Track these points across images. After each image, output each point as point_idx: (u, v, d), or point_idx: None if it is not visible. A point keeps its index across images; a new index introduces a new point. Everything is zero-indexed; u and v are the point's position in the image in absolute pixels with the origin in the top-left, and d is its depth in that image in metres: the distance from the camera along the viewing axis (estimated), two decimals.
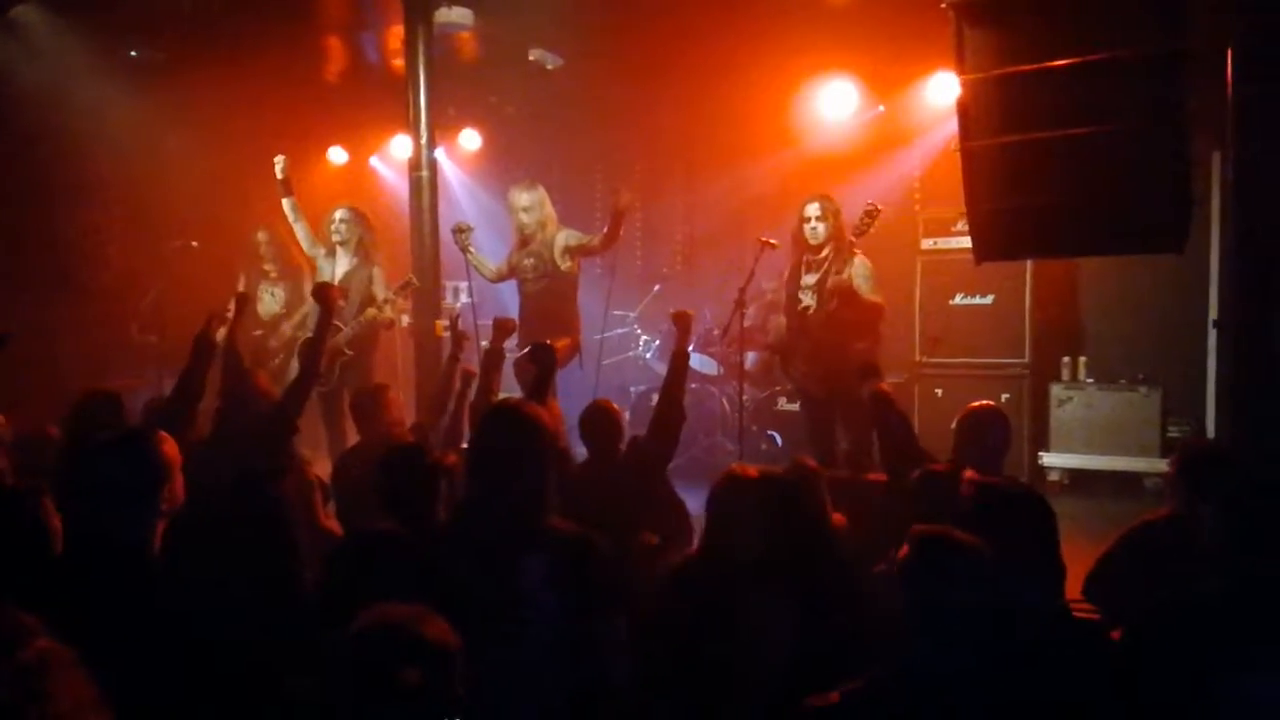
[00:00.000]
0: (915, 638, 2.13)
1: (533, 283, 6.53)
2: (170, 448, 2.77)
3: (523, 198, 6.47)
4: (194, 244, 7.67)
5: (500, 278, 6.80)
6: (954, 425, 4.14)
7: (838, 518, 3.56)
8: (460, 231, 6.45)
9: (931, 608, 2.12)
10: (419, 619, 1.94)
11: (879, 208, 5.53)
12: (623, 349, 8.94)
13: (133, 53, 8.01)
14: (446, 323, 7.14)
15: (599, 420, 4.22)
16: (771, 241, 6.26)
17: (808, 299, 5.83)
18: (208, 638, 2.55)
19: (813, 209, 5.86)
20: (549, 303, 6.46)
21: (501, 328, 5.03)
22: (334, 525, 4.19)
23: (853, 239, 5.63)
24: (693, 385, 8.02)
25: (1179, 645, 2.25)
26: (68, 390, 4.55)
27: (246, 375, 4.85)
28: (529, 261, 6.51)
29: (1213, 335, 6.59)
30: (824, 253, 5.85)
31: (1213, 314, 6.51)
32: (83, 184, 8.21)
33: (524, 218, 6.46)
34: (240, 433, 4.31)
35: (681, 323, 4.74)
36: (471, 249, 6.57)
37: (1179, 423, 7.10)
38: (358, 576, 2.84)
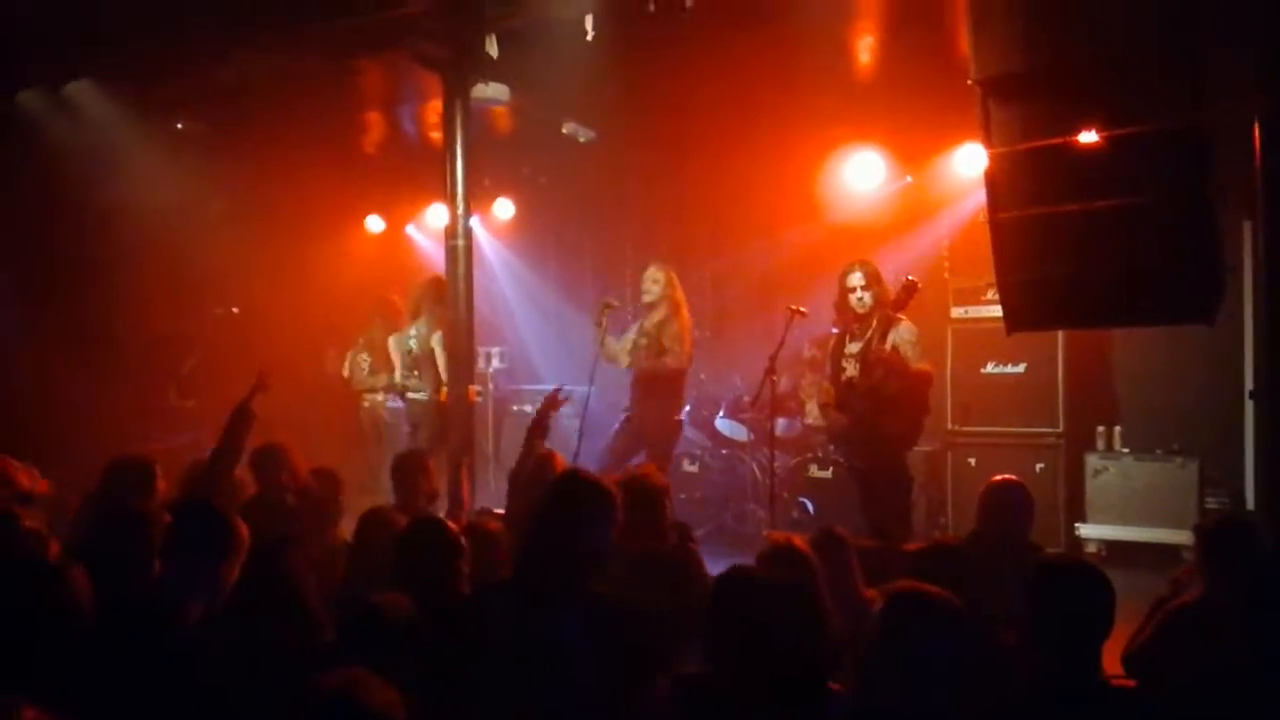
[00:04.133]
0: (893, 684, 2.28)
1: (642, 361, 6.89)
2: (241, 528, 2.92)
3: (649, 273, 7.02)
4: (235, 310, 7.83)
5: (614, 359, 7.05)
6: (978, 499, 4.17)
7: (870, 593, 3.52)
8: (607, 308, 6.89)
9: (908, 654, 2.28)
10: (360, 684, 1.91)
11: (918, 283, 5.50)
12: None
13: (179, 125, 8.26)
14: (480, 389, 7.26)
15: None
16: (801, 310, 6.30)
17: (851, 368, 5.80)
18: (237, 706, 2.58)
19: (856, 279, 5.85)
20: (653, 381, 6.85)
21: (550, 401, 5.29)
22: None
23: (891, 313, 5.60)
24: (723, 451, 8.02)
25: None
26: (106, 453, 4.63)
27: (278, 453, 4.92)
28: (643, 340, 6.88)
29: (1250, 405, 6.50)
30: (869, 320, 5.85)
31: (1249, 383, 6.44)
32: (126, 250, 8.43)
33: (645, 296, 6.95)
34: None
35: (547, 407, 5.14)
36: (604, 324, 6.85)
37: (1217, 494, 6.98)
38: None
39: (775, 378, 6.53)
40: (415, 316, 7.74)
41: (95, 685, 2.59)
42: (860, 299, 5.83)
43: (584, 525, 2.92)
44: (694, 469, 7.97)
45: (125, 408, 7.80)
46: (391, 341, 7.88)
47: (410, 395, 7.71)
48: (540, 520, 2.99)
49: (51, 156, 7.70)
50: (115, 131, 7.73)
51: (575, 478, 3.18)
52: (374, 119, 8.63)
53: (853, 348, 5.84)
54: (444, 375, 7.40)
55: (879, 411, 5.59)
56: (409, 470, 4.81)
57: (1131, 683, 3.20)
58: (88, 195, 8.00)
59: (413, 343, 7.68)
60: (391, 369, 7.89)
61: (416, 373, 7.63)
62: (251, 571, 3.09)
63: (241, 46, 6.60)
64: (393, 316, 8.12)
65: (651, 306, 7.00)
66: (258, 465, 4.86)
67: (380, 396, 8.07)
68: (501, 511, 4.88)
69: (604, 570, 2.94)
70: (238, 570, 2.92)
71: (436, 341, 7.43)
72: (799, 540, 3.38)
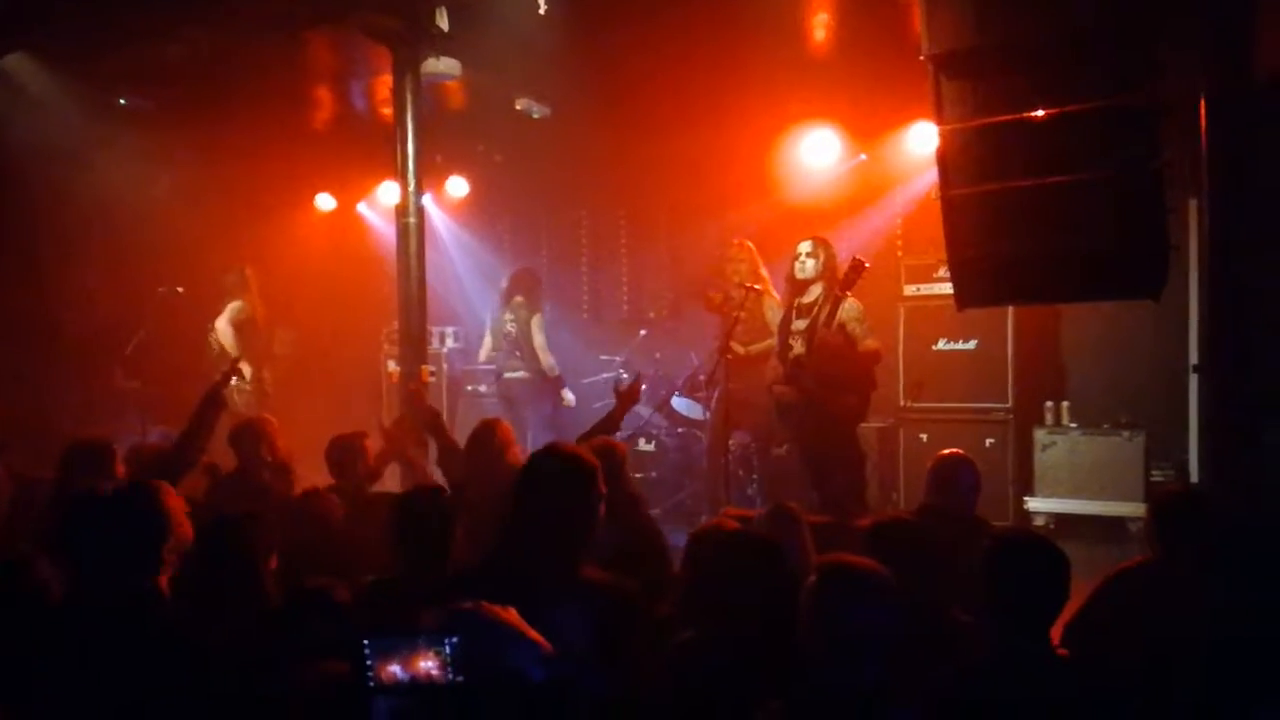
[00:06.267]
0: (826, 657, 2.30)
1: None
2: (172, 500, 2.91)
3: (730, 253, 7.07)
4: (179, 290, 7.69)
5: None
6: (926, 473, 4.22)
7: None
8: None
9: (839, 628, 2.29)
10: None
11: (865, 263, 5.53)
12: (609, 393, 8.94)
13: (121, 100, 8.07)
14: (433, 369, 7.22)
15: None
16: (755, 287, 6.32)
17: (798, 346, 5.84)
18: (210, 676, 2.60)
19: (804, 246, 5.95)
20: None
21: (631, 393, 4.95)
22: None
23: (839, 293, 5.62)
24: (679, 430, 8.03)
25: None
26: (51, 436, 4.53)
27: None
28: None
29: (1194, 379, 6.64)
30: (813, 296, 5.87)
31: (1193, 358, 6.57)
32: (69, 230, 8.24)
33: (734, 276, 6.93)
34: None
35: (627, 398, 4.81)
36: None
37: (1162, 467, 7.12)
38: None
39: (730, 355, 6.55)
40: (509, 300, 7.97)
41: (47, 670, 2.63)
42: (803, 264, 5.90)
43: (576, 506, 2.65)
44: (650, 448, 7.98)
45: (68, 390, 7.64)
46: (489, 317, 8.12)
47: (507, 375, 7.97)
48: (526, 503, 2.69)
49: None
50: (55, 107, 7.54)
51: (555, 453, 2.83)
52: (323, 94, 8.49)
53: (799, 324, 5.89)
54: (228, 347, 7.70)
55: (826, 390, 5.64)
56: (347, 452, 4.76)
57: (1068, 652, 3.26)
58: (27, 173, 7.79)
59: (511, 325, 7.94)
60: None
61: (518, 353, 7.89)
62: (212, 542, 3.09)
63: (186, 17, 6.45)
64: (240, 292, 8.09)
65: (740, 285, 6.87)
66: (238, 440, 4.88)
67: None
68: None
69: (594, 550, 2.72)
70: (178, 546, 2.91)
71: (536, 325, 7.82)
72: (731, 522, 3.34)
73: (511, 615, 1.88)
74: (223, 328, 7.87)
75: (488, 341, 8.19)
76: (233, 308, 7.96)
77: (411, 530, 3.23)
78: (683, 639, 2.67)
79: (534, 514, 2.66)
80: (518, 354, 7.91)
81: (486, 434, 4.64)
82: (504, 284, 8.14)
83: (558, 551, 2.61)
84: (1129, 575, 3.38)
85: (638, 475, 7.79)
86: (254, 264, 8.28)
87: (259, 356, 8.00)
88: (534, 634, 1.85)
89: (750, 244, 7.14)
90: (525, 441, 7.60)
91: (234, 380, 7.59)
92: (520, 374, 7.93)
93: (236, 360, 5.08)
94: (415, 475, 5.26)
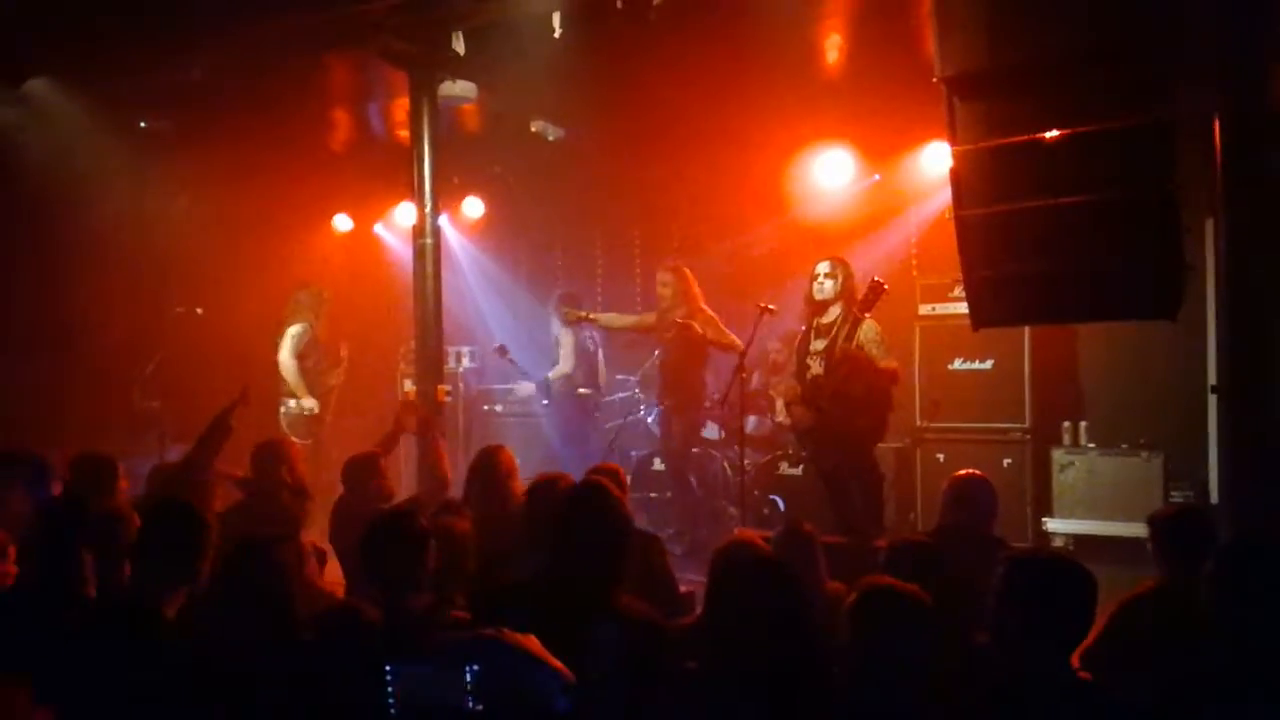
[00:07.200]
0: (861, 678, 2.31)
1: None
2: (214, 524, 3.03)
3: (658, 276, 7.46)
4: (198, 310, 7.75)
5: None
6: (943, 493, 4.20)
7: (835, 586, 3.53)
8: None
9: (875, 650, 2.30)
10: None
11: (884, 285, 5.52)
12: (625, 412, 8.94)
13: (142, 123, 8.16)
14: (449, 389, 7.25)
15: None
16: (770, 308, 6.31)
17: (816, 366, 5.82)
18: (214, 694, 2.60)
19: (823, 266, 5.91)
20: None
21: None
22: (329, 588, 4.17)
23: (858, 314, 5.61)
24: (694, 450, 8.02)
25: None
26: (67, 455, 4.56)
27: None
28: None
29: (1212, 400, 6.58)
30: (832, 316, 5.86)
31: (1211, 378, 6.51)
32: (90, 251, 8.32)
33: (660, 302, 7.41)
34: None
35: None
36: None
37: (1181, 487, 7.06)
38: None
39: (745, 375, 6.55)
40: (581, 319, 8.26)
41: (77, 683, 2.65)
42: (821, 285, 5.86)
43: (620, 534, 2.85)
44: (664, 468, 7.97)
45: (86, 410, 7.69)
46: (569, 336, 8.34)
47: (587, 389, 8.38)
48: (577, 528, 2.88)
49: (11, 155, 7.58)
50: (76, 130, 7.63)
51: (602, 490, 3.02)
52: (341, 116, 8.58)
53: (817, 345, 5.86)
54: (292, 384, 7.60)
55: (844, 410, 5.61)
56: (362, 471, 4.77)
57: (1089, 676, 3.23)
58: (48, 194, 7.88)
59: (591, 343, 8.35)
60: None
61: (590, 369, 8.34)
62: (239, 566, 3.06)
63: (206, 41, 6.53)
64: (309, 313, 7.83)
65: (669, 310, 7.29)
66: (258, 461, 4.89)
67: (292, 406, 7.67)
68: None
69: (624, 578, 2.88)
70: (209, 565, 2.95)
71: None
72: (762, 544, 3.34)
73: (533, 643, 1.89)
74: (286, 362, 7.54)
75: (570, 358, 8.33)
76: (294, 335, 7.61)
77: (375, 560, 3.13)
78: (690, 669, 2.66)
79: (583, 539, 2.83)
80: (589, 370, 8.35)
81: (489, 461, 4.61)
82: (563, 301, 8.32)
83: (603, 575, 2.76)
84: (1141, 600, 3.35)
85: (652, 495, 7.80)
86: (329, 286, 8.17)
87: (322, 376, 7.86)
88: (556, 663, 1.86)
89: (686, 270, 7.39)
90: (555, 451, 7.98)
91: (293, 406, 7.60)
92: (589, 390, 8.39)
93: (248, 389, 5.09)
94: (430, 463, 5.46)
